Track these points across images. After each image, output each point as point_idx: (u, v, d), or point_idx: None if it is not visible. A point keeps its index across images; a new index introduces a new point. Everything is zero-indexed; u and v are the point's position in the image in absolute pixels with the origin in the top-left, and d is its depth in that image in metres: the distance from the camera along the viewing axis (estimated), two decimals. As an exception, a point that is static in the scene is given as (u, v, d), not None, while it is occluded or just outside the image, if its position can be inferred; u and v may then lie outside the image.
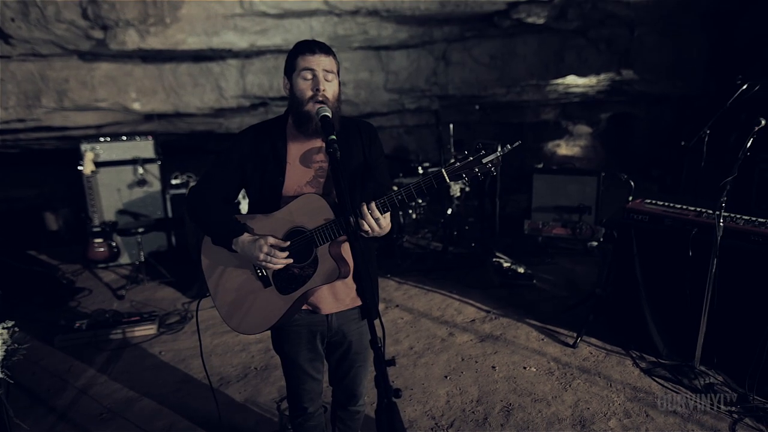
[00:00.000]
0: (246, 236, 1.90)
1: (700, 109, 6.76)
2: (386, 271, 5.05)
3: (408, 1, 5.75)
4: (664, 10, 6.33)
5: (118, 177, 5.41)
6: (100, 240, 4.94)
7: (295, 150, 1.94)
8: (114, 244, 5.06)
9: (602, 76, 7.16)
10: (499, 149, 1.71)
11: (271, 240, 1.86)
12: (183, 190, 5.49)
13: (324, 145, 1.93)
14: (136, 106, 6.19)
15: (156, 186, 5.52)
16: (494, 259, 4.99)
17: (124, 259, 5.43)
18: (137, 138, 5.52)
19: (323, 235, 1.83)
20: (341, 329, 2.06)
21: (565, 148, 8.62)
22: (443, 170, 1.72)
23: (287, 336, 2.06)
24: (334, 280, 1.88)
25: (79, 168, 5.09)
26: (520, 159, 7.99)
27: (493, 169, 1.72)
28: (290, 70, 1.89)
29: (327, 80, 1.85)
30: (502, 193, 6.15)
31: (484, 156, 1.71)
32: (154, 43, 5.48)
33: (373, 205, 1.74)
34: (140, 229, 4.81)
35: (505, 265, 4.79)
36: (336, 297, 2.01)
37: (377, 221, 1.75)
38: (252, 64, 6.48)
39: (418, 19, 6.18)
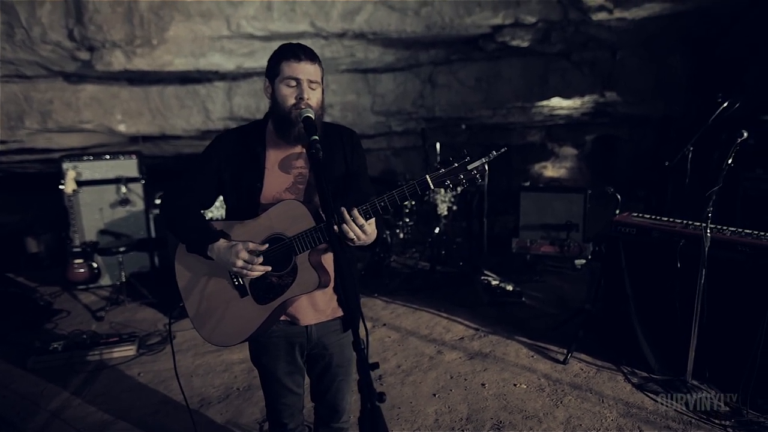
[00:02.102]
0: (222, 242, 1.82)
1: (683, 131, 6.86)
2: (373, 291, 4.98)
3: (394, 24, 5.82)
4: (644, 33, 6.47)
5: (101, 196, 5.31)
6: (80, 261, 4.82)
7: (274, 155, 1.89)
8: (95, 264, 4.94)
9: (586, 98, 7.26)
10: (485, 157, 1.69)
11: (250, 246, 1.79)
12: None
13: (304, 151, 1.89)
14: (122, 128, 6.14)
15: (139, 205, 5.43)
16: (482, 278, 4.95)
17: (105, 280, 5.29)
18: (121, 157, 5.45)
19: (303, 243, 1.77)
20: (321, 341, 1.98)
21: (551, 170, 8.69)
22: (427, 176, 1.68)
23: (265, 348, 1.98)
24: (313, 289, 1.81)
25: (60, 187, 5.00)
26: (507, 181, 8.03)
27: (478, 176, 1.69)
28: (273, 75, 1.83)
29: (311, 89, 1.81)
30: (490, 213, 6.14)
31: (469, 162, 1.68)
32: (140, 64, 5.46)
33: (355, 211, 1.67)
34: (121, 248, 4.70)
35: (494, 283, 4.74)
36: (315, 308, 1.94)
37: (362, 228, 1.68)
38: (239, 87, 6.49)
39: (404, 42, 6.25)
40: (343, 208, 1.67)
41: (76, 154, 5.48)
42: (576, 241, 5.14)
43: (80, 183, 5.14)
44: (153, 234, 5.41)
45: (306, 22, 5.57)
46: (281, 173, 1.89)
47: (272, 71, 1.84)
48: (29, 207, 7.57)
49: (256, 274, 1.80)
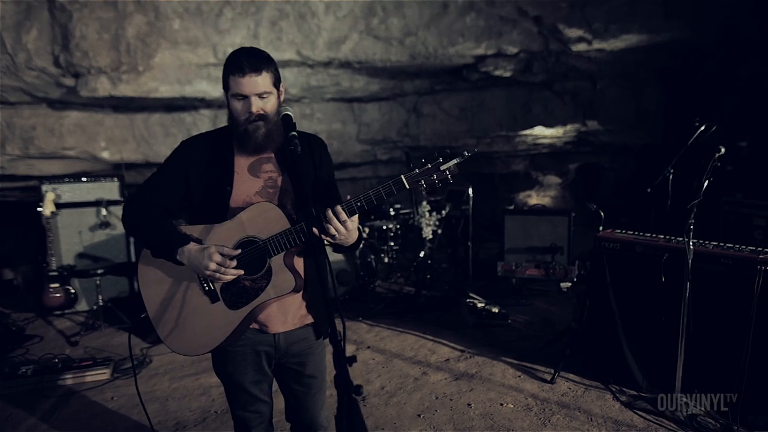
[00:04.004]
0: (193, 245, 1.76)
1: (663, 159, 7.01)
2: (358, 315, 4.89)
3: (379, 54, 5.94)
4: (623, 64, 6.66)
5: (80, 219, 5.20)
6: (56, 285, 4.68)
7: (243, 160, 1.86)
8: (71, 289, 4.80)
9: (568, 127, 7.39)
10: (457, 157, 1.74)
11: (224, 249, 1.74)
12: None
13: (273, 156, 1.88)
14: (105, 155, 6.11)
15: (120, 229, 5.32)
16: (468, 300, 4.89)
17: (82, 306, 5.11)
18: (102, 179, 5.38)
19: (278, 245, 1.74)
20: (290, 350, 1.92)
21: (535, 198, 8.76)
22: (402, 176, 1.73)
23: (232, 358, 1.90)
24: (288, 292, 1.77)
25: (39, 209, 4.90)
26: (491, 209, 8.06)
27: (450, 176, 1.74)
28: (226, 88, 1.79)
29: (262, 98, 1.76)
30: (475, 241, 6.13)
31: (442, 163, 1.73)
32: (126, 90, 5.48)
33: (338, 207, 1.68)
34: (99, 271, 4.58)
35: (479, 305, 4.68)
36: (285, 316, 1.88)
37: (344, 224, 1.68)
38: (224, 114, 6.47)
39: (389, 71, 6.36)
40: (327, 208, 1.68)
41: (57, 176, 5.40)
42: (561, 264, 5.12)
43: (60, 205, 5.04)
44: (133, 258, 5.29)
45: (292, 51, 5.66)
46: (251, 177, 1.86)
47: (225, 84, 1.79)
48: (7, 239, 7.39)
49: (229, 277, 1.75)
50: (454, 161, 1.72)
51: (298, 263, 1.84)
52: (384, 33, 5.80)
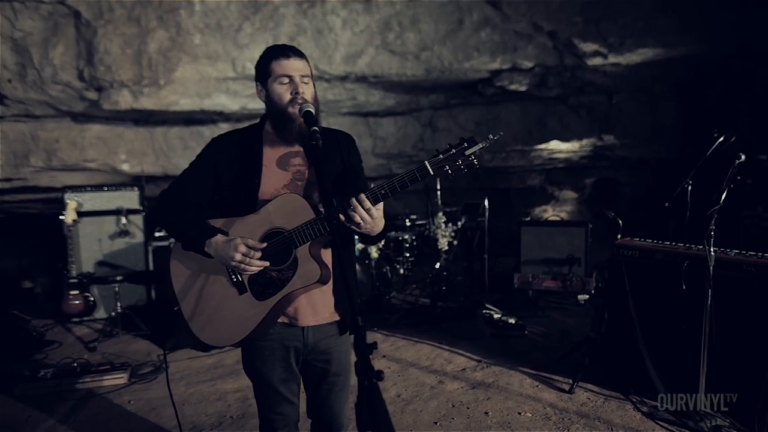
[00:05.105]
0: (220, 237, 1.80)
1: (680, 174, 6.95)
2: (373, 325, 4.87)
3: (395, 68, 6.01)
4: (639, 79, 6.66)
5: (100, 227, 5.28)
6: (76, 292, 4.74)
7: (271, 153, 1.90)
8: (90, 297, 4.86)
9: (584, 141, 7.37)
10: (482, 142, 1.70)
11: (250, 241, 1.76)
12: (166, 243, 5.34)
13: (302, 150, 1.91)
14: (125, 167, 6.23)
15: (139, 237, 5.39)
16: (484, 311, 4.85)
17: (100, 313, 5.15)
18: (123, 188, 5.47)
19: (304, 235, 1.75)
20: (318, 346, 1.91)
21: (551, 213, 8.71)
22: (426, 162, 1.69)
23: (260, 353, 1.91)
24: (314, 281, 1.78)
25: (61, 217, 4.99)
26: (507, 224, 8.02)
27: (475, 161, 1.71)
28: (264, 77, 1.84)
29: (304, 83, 1.83)
30: (491, 255, 6.10)
31: (467, 148, 1.69)
32: (146, 103, 5.60)
33: (362, 195, 1.67)
34: (118, 278, 4.64)
35: (496, 316, 4.65)
36: (314, 309, 1.88)
37: (368, 211, 1.67)
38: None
39: (404, 86, 6.42)
40: (351, 197, 1.68)
41: (79, 186, 5.50)
42: (578, 276, 5.06)
43: (81, 213, 5.12)
44: (152, 267, 5.34)
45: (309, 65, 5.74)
46: (279, 170, 1.89)
47: (263, 74, 1.85)
48: (27, 252, 7.49)
49: (255, 268, 1.77)
50: (480, 146, 1.69)
51: (325, 254, 1.84)
52: (400, 48, 5.88)
